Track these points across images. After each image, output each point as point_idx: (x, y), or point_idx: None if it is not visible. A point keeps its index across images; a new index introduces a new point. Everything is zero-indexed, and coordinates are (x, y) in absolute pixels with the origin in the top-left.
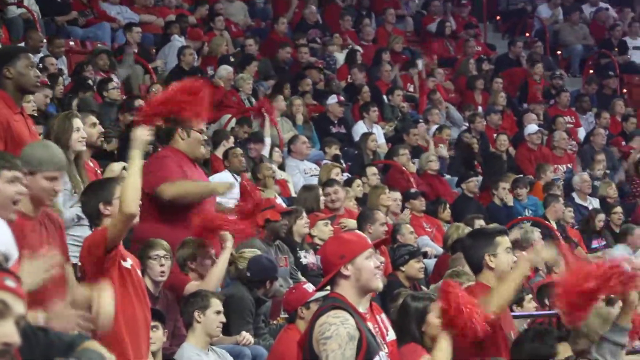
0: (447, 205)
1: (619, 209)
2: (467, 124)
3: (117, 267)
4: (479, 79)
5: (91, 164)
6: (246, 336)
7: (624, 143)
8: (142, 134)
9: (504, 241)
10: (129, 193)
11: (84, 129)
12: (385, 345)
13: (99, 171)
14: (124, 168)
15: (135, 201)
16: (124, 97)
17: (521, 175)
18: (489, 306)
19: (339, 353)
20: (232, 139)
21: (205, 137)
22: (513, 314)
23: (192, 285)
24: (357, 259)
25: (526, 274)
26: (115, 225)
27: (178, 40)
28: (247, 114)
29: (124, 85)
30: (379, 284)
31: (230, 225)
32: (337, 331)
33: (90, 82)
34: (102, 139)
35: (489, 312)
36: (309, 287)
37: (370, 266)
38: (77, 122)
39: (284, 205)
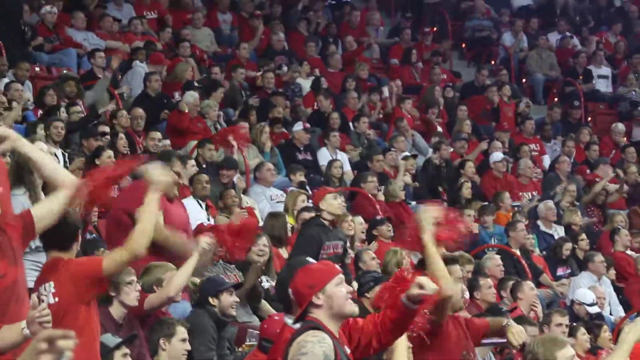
0: None
1: (584, 236)
2: (432, 151)
3: None
4: (433, 107)
5: None
6: None
7: (588, 171)
8: (160, 175)
9: (454, 270)
10: (140, 234)
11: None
12: None
13: None
14: None
15: (146, 243)
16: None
17: (487, 203)
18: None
19: None
20: (192, 162)
21: (180, 181)
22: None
23: (153, 296)
24: (327, 286)
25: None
26: (117, 262)
27: (140, 66)
28: (216, 142)
29: (89, 111)
30: (353, 308)
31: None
32: (313, 349)
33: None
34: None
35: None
36: (289, 319)
37: (341, 292)
38: (38, 145)
39: None
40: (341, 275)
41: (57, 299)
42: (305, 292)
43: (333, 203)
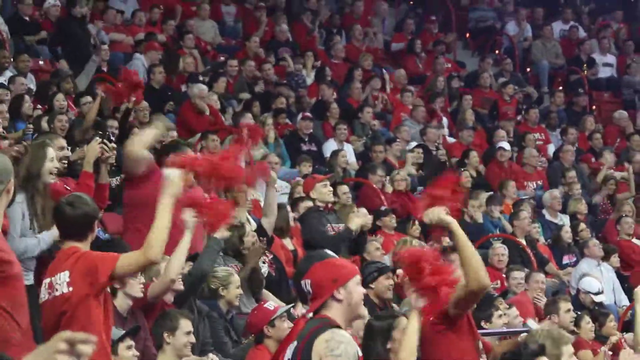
0: (416, 222)
1: (583, 225)
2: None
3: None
4: (439, 97)
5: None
6: (214, 358)
7: (593, 159)
8: (176, 178)
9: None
10: (155, 239)
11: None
12: None
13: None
14: None
15: (161, 250)
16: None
17: (493, 193)
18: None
19: None
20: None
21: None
22: (481, 331)
23: (155, 284)
24: (349, 283)
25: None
26: (131, 264)
27: (138, 58)
28: (224, 133)
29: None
30: (365, 311)
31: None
32: (346, 350)
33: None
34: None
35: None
36: (270, 305)
37: (361, 291)
38: (50, 153)
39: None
40: (359, 276)
41: (71, 289)
42: (327, 286)
43: (323, 191)
